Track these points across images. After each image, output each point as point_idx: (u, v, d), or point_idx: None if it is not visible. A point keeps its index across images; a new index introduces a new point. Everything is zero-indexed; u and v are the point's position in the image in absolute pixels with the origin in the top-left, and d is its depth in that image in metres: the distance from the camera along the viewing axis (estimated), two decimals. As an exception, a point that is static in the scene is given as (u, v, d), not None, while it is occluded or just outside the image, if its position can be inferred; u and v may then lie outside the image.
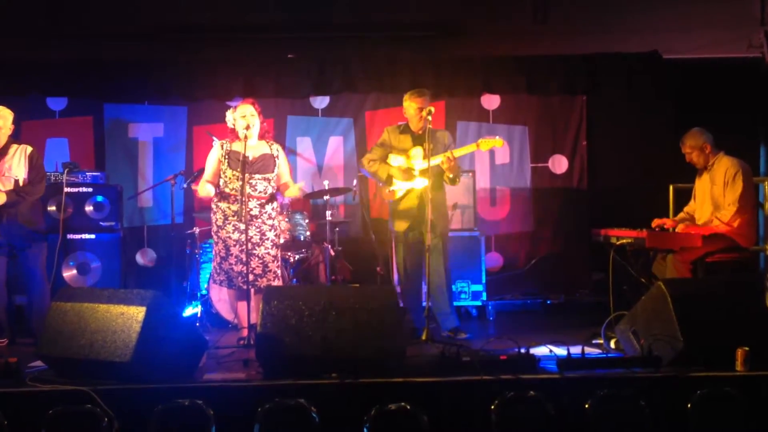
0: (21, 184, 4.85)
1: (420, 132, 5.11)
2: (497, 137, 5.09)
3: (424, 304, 4.98)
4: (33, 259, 4.96)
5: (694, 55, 6.77)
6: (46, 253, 5.09)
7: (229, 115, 4.80)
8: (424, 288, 5.07)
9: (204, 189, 4.72)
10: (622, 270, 5.05)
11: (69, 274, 5.83)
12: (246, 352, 4.29)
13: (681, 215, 5.28)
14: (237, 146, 4.70)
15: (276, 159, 4.78)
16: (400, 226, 5.09)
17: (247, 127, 4.68)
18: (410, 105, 5.12)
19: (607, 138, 6.91)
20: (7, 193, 4.81)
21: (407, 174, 5.05)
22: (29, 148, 4.97)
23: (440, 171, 5.06)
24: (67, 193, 5.67)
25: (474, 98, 6.98)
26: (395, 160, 5.12)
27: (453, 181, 5.14)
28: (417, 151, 5.06)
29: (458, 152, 5.01)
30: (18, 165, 4.89)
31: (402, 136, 5.18)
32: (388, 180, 5.08)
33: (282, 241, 5.57)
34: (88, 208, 5.92)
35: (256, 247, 4.70)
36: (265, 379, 3.65)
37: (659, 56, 6.73)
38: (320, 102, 6.97)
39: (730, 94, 6.65)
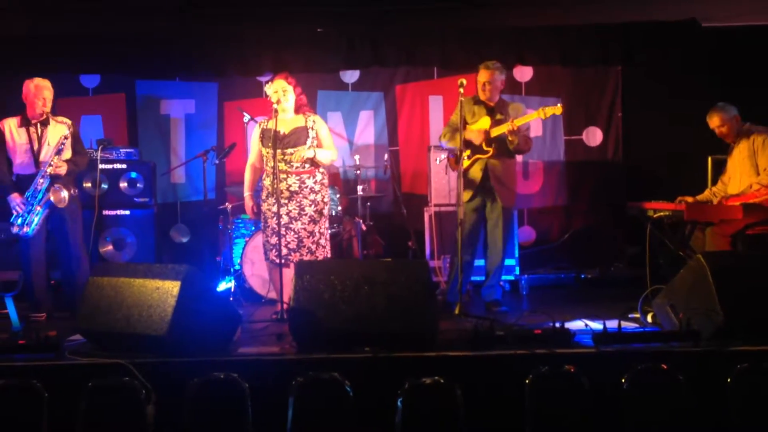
0: (60, 154, 4.98)
1: (491, 103, 5.09)
2: (558, 105, 5.03)
3: (457, 278, 4.97)
4: (72, 234, 5.08)
5: (734, 23, 6.57)
6: (83, 227, 5.21)
7: (268, 89, 4.79)
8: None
9: (246, 174, 4.91)
10: (658, 243, 4.97)
11: (105, 249, 5.91)
12: (279, 326, 4.33)
13: (705, 194, 5.19)
14: (272, 123, 4.69)
15: (309, 130, 4.74)
16: (464, 195, 5.03)
17: (278, 102, 4.66)
18: (478, 79, 5.13)
19: (644, 109, 6.76)
20: (66, 161, 5.00)
21: (477, 136, 5.01)
22: (67, 120, 5.10)
23: (507, 142, 5.00)
24: (101, 169, 5.74)
25: (506, 70, 6.86)
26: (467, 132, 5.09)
27: (519, 151, 5.11)
28: (484, 122, 5.03)
29: (522, 120, 4.95)
30: (55, 136, 5.02)
31: (476, 107, 5.16)
32: (464, 146, 4.99)
33: (334, 213, 5.57)
34: (123, 185, 5.99)
35: (293, 222, 4.70)
36: (299, 352, 3.67)
37: (698, 24, 6.54)
38: (350, 76, 6.93)
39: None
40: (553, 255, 6.67)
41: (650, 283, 4.46)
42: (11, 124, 5.02)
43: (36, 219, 4.92)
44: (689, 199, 5.00)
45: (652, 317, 4.24)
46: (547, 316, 3.91)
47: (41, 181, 4.92)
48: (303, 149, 4.66)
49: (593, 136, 6.89)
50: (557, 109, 4.98)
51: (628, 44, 6.69)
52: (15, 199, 4.90)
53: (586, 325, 4.06)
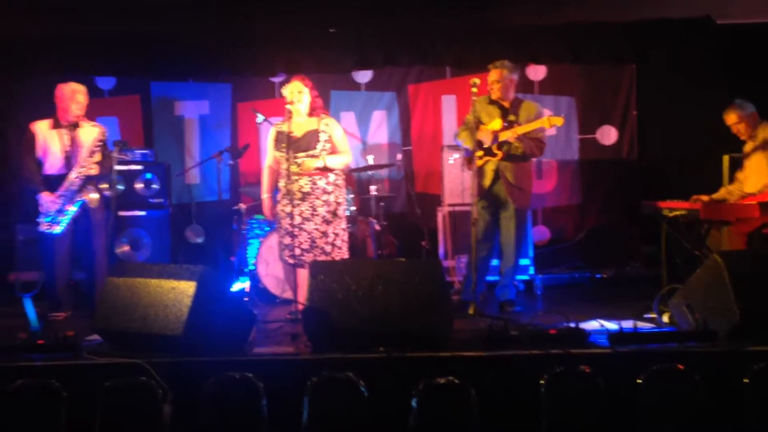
0: (92, 156, 5.07)
1: (505, 103, 5.07)
2: (561, 116, 5.06)
3: (471, 278, 4.96)
4: (97, 235, 5.15)
5: (749, 20, 6.52)
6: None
7: (284, 90, 4.80)
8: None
9: (263, 177, 4.91)
10: (674, 242, 4.94)
11: (121, 250, 5.96)
12: (294, 326, 4.33)
13: (721, 192, 5.15)
14: (286, 126, 4.70)
15: (321, 134, 4.72)
16: (477, 195, 5.01)
17: (291, 103, 4.67)
18: (488, 78, 5.10)
19: (658, 108, 6.72)
20: (96, 164, 5.11)
21: (488, 138, 4.98)
22: (99, 125, 5.21)
23: (513, 147, 4.98)
24: (117, 170, 5.75)
25: (518, 68, 6.84)
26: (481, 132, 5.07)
27: (528, 156, 5.03)
28: (495, 124, 5.01)
29: (524, 129, 4.90)
30: (88, 138, 5.11)
31: (490, 107, 5.13)
32: (476, 146, 4.94)
33: (348, 213, 5.53)
34: (138, 186, 6.03)
35: (306, 222, 4.70)
36: (314, 352, 3.68)
37: (712, 21, 6.50)
38: (363, 76, 6.94)
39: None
40: (567, 254, 6.64)
41: (666, 283, 4.44)
42: (42, 127, 5.09)
43: (66, 218, 4.99)
44: (705, 198, 4.97)
45: (669, 317, 4.22)
46: (561, 316, 3.91)
47: (76, 180, 4.99)
48: (312, 161, 4.64)
49: (607, 135, 6.86)
50: (559, 120, 4.98)
51: (642, 42, 6.66)
52: (46, 197, 4.97)
53: (602, 325, 4.04)
